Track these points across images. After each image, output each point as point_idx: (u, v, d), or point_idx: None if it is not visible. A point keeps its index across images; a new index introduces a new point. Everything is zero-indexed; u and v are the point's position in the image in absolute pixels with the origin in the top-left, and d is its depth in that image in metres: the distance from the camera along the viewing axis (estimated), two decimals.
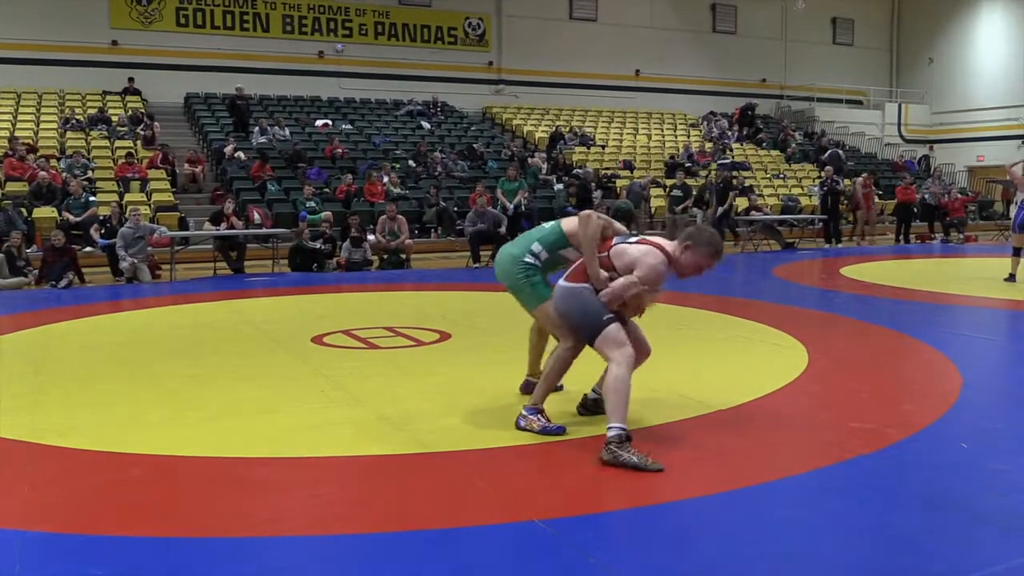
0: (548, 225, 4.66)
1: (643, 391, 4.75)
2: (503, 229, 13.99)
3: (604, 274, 4.13)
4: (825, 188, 18.33)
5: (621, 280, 4.04)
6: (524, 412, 4.34)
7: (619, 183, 19.78)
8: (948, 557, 2.95)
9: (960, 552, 2.98)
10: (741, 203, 18.94)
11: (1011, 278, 10.61)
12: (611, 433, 3.79)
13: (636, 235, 4.35)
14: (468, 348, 6.82)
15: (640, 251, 4.08)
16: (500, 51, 25.72)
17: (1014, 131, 27.89)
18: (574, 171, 19.44)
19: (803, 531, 3.12)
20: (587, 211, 4.38)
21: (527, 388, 4.95)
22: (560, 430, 4.26)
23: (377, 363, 6.29)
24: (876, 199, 19.84)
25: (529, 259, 4.52)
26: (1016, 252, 10.65)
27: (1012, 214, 10.87)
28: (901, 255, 15.89)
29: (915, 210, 19.30)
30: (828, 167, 19.91)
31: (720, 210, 17.12)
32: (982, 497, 3.45)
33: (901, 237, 18.80)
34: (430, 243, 16.31)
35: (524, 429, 4.30)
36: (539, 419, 4.29)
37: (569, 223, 4.50)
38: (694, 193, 17.32)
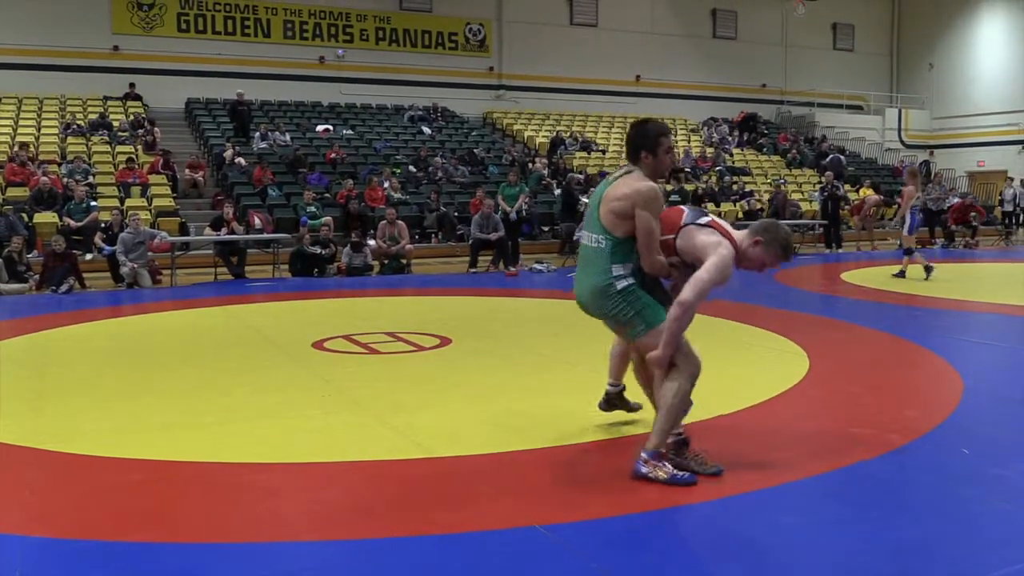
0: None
1: (643, 396, 4.74)
2: (502, 232, 13.99)
3: (664, 260, 3.69)
4: (826, 193, 18.33)
5: (691, 286, 3.57)
6: (644, 456, 3.64)
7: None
8: (950, 562, 2.95)
9: (962, 557, 2.98)
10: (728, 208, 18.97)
11: (901, 275, 11.95)
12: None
13: (707, 215, 3.82)
14: (469, 353, 6.81)
15: (712, 239, 3.64)
16: (501, 56, 25.75)
17: (1014, 136, 27.91)
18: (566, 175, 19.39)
19: (805, 537, 3.11)
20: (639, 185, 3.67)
21: (608, 403, 4.45)
22: (692, 479, 3.59)
23: (378, 368, 6.29)
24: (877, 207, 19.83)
25: (620, 283, 3.69)
26: (908, 252, 12.15)
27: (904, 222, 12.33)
28: (901, 260, 15.84)
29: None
30: (828, 172, 19.92)
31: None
32: (983, 502, 3.44)
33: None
34: (431, 248, 16.32)
35: (647, 478, 3.60)
36: (665, 465, 3.64)
37: (610, 219, 3.71)
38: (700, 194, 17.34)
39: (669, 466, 3.61)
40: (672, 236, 3.71)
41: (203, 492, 3.65)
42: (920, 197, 12.69)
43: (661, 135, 3.76)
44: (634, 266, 3.70)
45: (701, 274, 3.57)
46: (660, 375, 3.70)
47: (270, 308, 9.96)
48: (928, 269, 11.81)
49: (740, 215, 19.87)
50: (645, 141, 3.74)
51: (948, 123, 30.01)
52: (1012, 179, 22.26)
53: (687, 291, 3.56)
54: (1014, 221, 21.91)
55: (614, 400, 4.40)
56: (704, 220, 3.74)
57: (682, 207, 3.87)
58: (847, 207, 19.36)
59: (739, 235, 3.75)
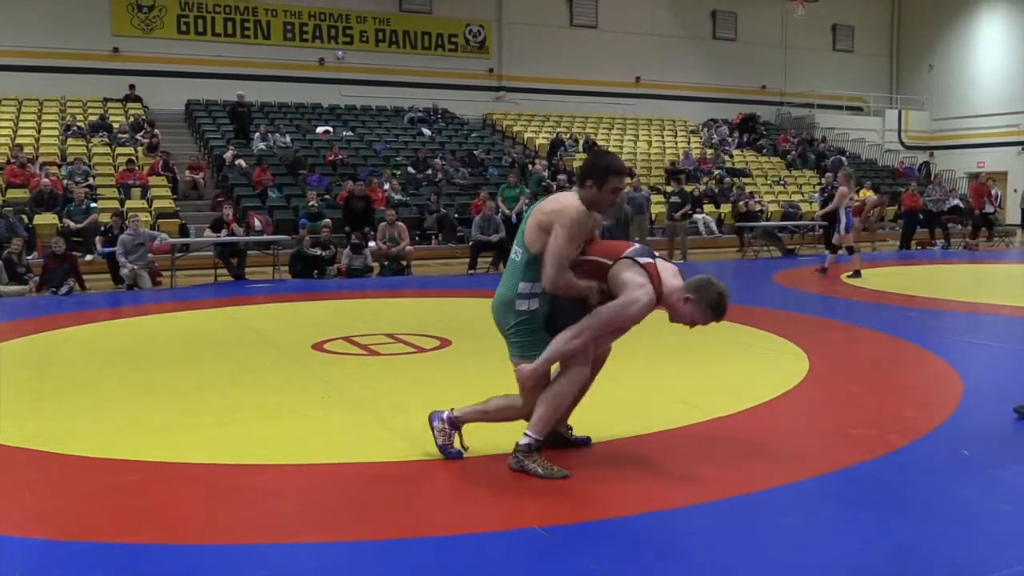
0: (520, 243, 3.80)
1: (643, 398, 4.74)
2: (503, 234, 13.98)
3: (587, 283, 3.68)
4: (826, 194, 18.33)
5: (590, 316, 3.64)
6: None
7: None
8: (950, 563, 2.95)
9: (962, 558, 2.98)
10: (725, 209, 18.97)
11: (856, 274, 12.25)
12: (523, 441, 3.73)
13: (652, 255, 3.78)
14: (469, 355, 6.81)
15: (636, 280, 3.62)
16: (500, 58, 25.76)
17: (1014, 137, 27.91)
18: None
19: (805, 538, 3.11)
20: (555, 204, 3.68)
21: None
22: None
23: (378, 369, 6.29)
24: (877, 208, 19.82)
25: (522, 304, 3.76)
26: (850, 251, 12.69)
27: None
28: (902, 261, 15.88)
29: (920, 216, 19.32)
30: (829, 173, 19.91)
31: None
32: (983, 504, 3.44)
33: (903, 244, 18.78)
34: (431, 250, 16.32)
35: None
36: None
37: (533, 232, 3.70)
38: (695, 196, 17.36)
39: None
40: (609, 263, 3.70)
41: (203, 493, 3.65)
42: (853, 197, 13.26)
43: (614, 173, 3.66)
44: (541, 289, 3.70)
45: (604, 309, 3.63)
46: (524, 395, 3.79)
47: (270, 309, 9.96)
48: (857, 273, 12.24)
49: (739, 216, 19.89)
50: (596, 172, 3.66)
51: (948, 124, 30.01)
52: (993, 180, 21.99)
53: (585, 320, 3.63)
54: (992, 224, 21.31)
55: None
56: (644, 259, 3.69)
57: (634, 243, 3.89)
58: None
59: (673, 286, 3.70)
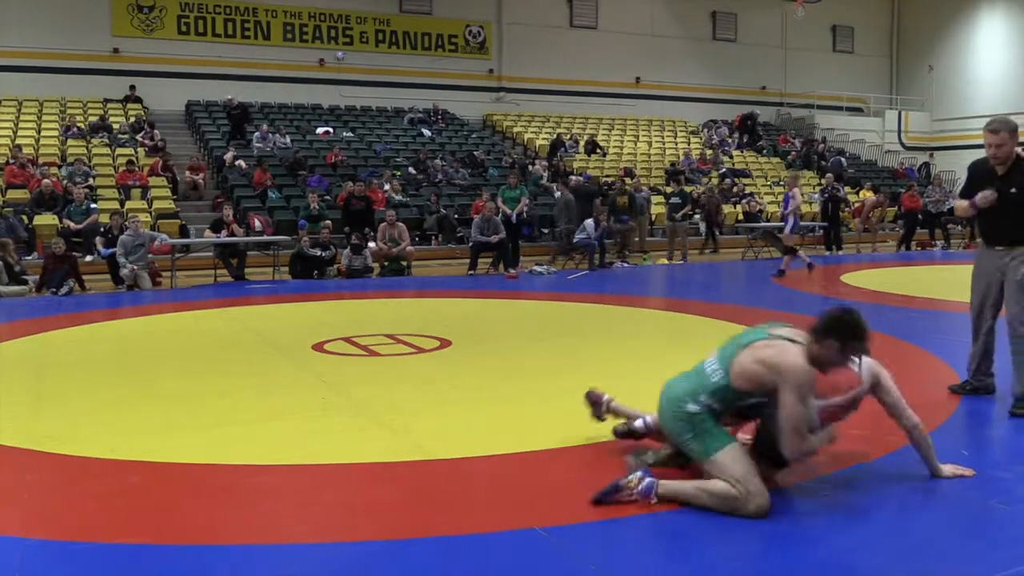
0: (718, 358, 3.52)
1: (645, 399, 4.73)
2: (503, 234, 13.99)
3: (819, 437, 3.49)
4: (826, 195, 18.35)
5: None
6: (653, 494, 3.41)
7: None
8: (950, 564, 2.95)
9: (962, 559, 2.98)
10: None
11: (809, 267, 12.96)
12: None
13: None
14: (468, 355, 6.81)
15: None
16: (500, 59, 25.75)
17: None
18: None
19: (805, 538, 3.11)
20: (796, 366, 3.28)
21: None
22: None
23: (378, 370, 6.30)
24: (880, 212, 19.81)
25: (694, 407, 3.47)
26: (790, 251, 13.27)
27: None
28: (901, 262, 15.89)
29: (919, 216, 19.33)
30: (829, 174, 19.93)
31: None
32: (982, 505, 3.44)
33: (903, 245, 18.79)
34: (431, 250, 16.32)
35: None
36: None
37: (746, 373, 3.38)
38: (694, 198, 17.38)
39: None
40: (855, 392, 3.58)
41: (202, 494, 3.65)
42: (800, 199, 13.72)
43: (860, 340, 3.33)
44: (724, 408, 3.46)
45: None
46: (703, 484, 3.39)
47: (270, 310, 9.96)
48: (781, 273, 12.74)
49: (740, 216, 19.90)
50: (844, 333, 3.31)
51: (948, 125, 30.01)
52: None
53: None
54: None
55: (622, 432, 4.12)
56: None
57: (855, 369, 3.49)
58: (847, 209, 19.37)
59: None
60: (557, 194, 18.62)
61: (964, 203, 5.03)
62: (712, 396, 3.44)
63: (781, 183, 23.12)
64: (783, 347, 3.36)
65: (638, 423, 4.04)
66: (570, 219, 15.17)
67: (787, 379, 3.27)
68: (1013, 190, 4.78)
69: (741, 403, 3.46)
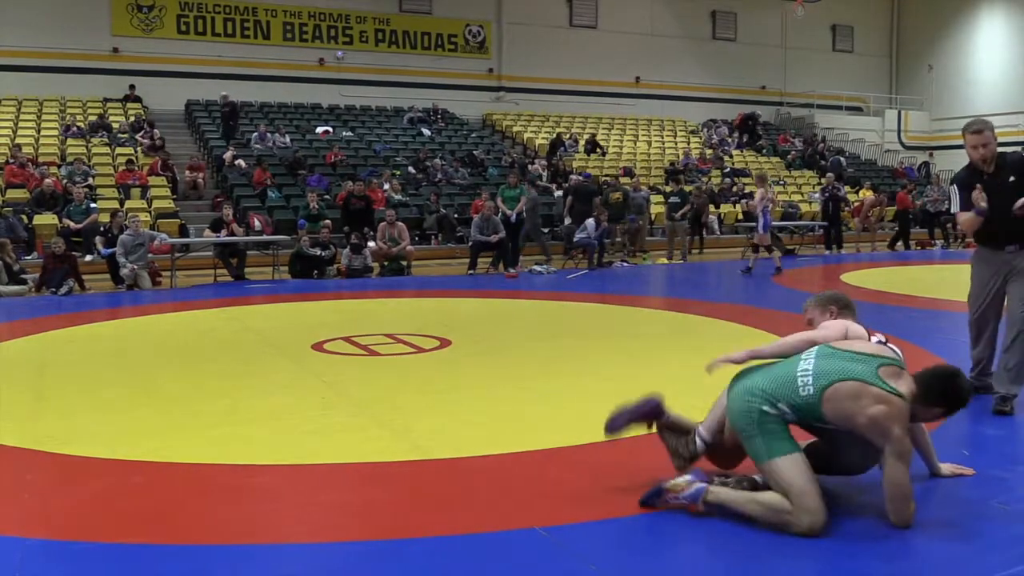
0: (810, 371, 3.26)
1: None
2: (502, 234, 13.99)
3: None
4: (827, 194, 18.36)
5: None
6: (699, 500, 3.29)
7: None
8: (948, 565, 2.95)
9: (962, 559, 2.98)
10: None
11: (778, 270, 13.12)
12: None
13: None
14: (468, 355, 6.81)
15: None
16: (500, 58, 25.75)
17: (1014, 137, 27.90)
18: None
19: (802, 540, 3.10)
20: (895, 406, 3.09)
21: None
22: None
23: (377, 370, 6.30)
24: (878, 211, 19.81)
25: (769, 408, 3.28)
26: (756, 249, 13.58)
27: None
28: (901, 262, 15.89)
29: (910, 215, 19.36)
30: (829, 174, 19.94)
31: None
32: (983, 504, 3.44)
33: (895, 243, 18.79)
34: (430, 250, 16.33)
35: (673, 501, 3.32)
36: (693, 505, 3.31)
37: (845, 411, 3.16)
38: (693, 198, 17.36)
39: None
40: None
41: (203, 494, 3.65)
42: (768, 199, 13.72)
43: (964, 407, 3.22)
44: (798, 418, 3.29)
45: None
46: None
47: (270, 310, 9.96)
48: (748, 270, 13.15)
49: (739, 216, 19.91)
50: (955, 403, 3.17)
51: (948, 124, 29.97)
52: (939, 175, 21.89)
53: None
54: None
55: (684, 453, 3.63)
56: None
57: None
58: (847, 208, 19.38)
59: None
60: (558, 194, 18.65)
61: (969, 215, 4.79)
62: (793, 408, 3.25)
63: (781, 183, 23.15)
64: (898, 409, 3.10)
65: (698, 443, 3.59)
66: (535, 223, 15.22)
67: (896, 447, 3.09)
68: (1012, 179, 4.74)
69: (818, 424, 3.30)
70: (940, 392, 3.15)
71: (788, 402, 3.25)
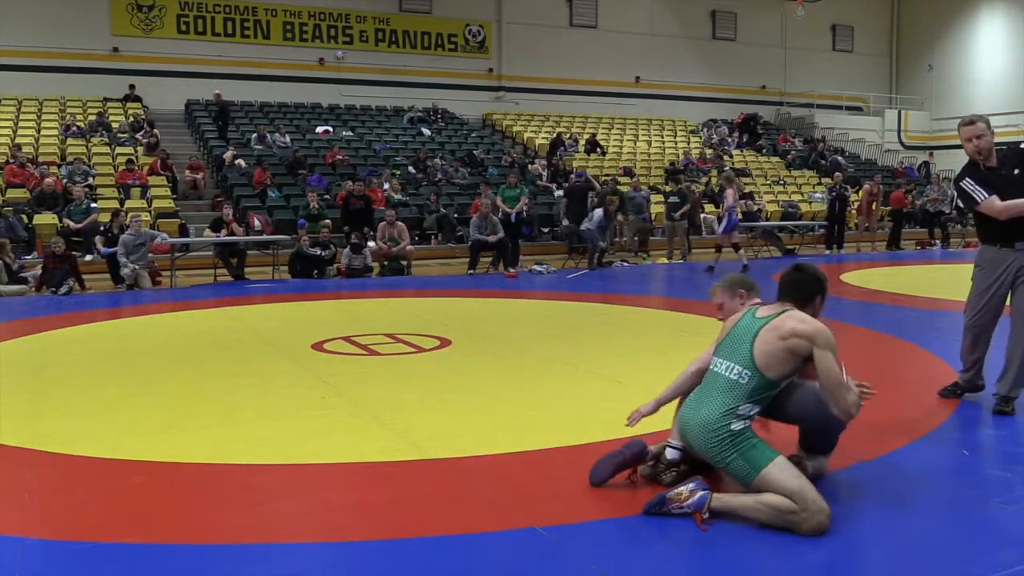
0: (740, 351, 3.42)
1: (646, 399, 4.73)
2: (502, 234, 13.99)
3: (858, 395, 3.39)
4: (834, 194, 18.36)
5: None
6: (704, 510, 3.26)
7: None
8: (950, 564, 2.95)
9: (962, 559, 2.98)
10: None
11: (746, 267, 12.93)
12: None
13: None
14: (468, 355, 6.81)
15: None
16: (500, 58, 25.77)
17: (1014, 137, 27.89)
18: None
19: (801, 539, 3.11)
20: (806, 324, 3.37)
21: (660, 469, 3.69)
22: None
23: (377, 370, 6.29)
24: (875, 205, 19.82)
25: (736, 424, 3.33)
26: (719, 248, 13.95)
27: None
28: (901, 262, 15.89)
29: (904, 214, 19.40)
30: (837, 173, 19.99)
31: None
32: (983, 504, 3.44)
33: (892, 244, 18.80)
34: (430, 249, 16.33)
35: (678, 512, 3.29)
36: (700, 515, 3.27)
37: (776, 356, 3.36)
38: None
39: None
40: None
41: (203, 494, 3.65)
42: (736, 199, 14.05)
43: (821, 286, 3.58)
44: (762, 407, 3.42)
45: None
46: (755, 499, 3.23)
47: (270, 310, 9.96)
48: (711, 268, 13.36)
49: (739, 216, 19.86)
50: (823, 288, 3.56)
51: (947, 124, 29.95)
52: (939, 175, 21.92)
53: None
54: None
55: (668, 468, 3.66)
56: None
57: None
58: (849, 208, 19.38)
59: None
60: (558, 193, 18.65)
61: (1020, 201, 4.58)
62: (752, 401, 3.35)
63: (782, 183, 23.15)
64: (798, 315, 3.43)
65: (670, 453, 3.63)
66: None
67: (819, 341, 3.32)
68: (1016, 171, 4.72)
69: (773, 392, 3.42)
70: (813, 284, 3.54)
71: (746, 399, 3.36)
